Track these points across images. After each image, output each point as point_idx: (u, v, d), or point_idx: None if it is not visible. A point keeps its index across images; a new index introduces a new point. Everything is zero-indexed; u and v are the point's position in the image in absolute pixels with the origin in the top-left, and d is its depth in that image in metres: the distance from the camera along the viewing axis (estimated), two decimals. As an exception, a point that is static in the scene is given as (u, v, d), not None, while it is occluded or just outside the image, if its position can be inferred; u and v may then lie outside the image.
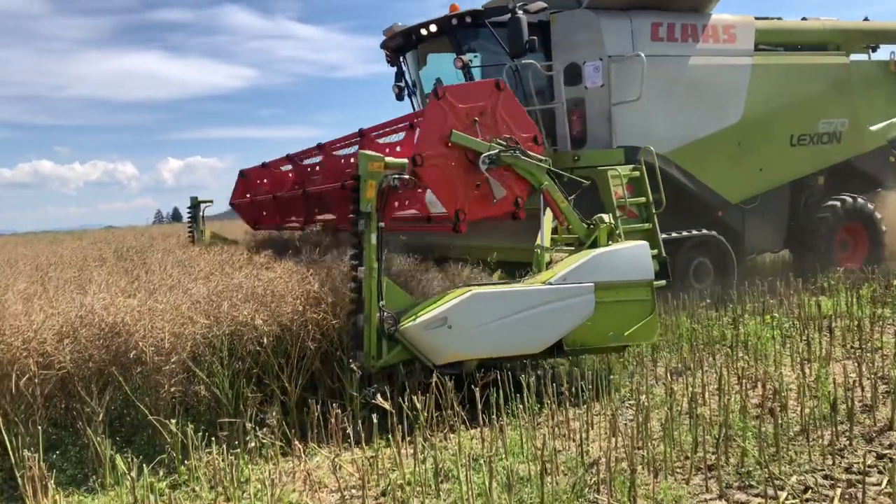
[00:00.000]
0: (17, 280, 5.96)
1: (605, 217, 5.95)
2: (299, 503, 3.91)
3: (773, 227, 10.34)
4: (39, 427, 4.27)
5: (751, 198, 9.93)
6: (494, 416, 4.61)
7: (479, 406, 4.59)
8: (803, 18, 11.19)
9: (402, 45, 9.51)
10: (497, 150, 5.56)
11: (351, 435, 4.34)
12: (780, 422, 4.34)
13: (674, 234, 8.84)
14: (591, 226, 5.94)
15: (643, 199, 7.92)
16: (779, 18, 10.88)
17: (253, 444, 4.33)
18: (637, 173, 7.98)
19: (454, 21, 8.58)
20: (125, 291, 5.50)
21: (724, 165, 9.53)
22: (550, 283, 5.40)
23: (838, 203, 10.35)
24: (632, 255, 5.81)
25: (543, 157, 5.83)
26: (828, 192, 10.60)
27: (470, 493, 3.52)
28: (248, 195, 9.14)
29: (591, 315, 5.46)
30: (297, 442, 4.16)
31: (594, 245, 5.85)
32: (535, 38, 8.10)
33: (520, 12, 8.10)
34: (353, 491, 4.02)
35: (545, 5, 8.60)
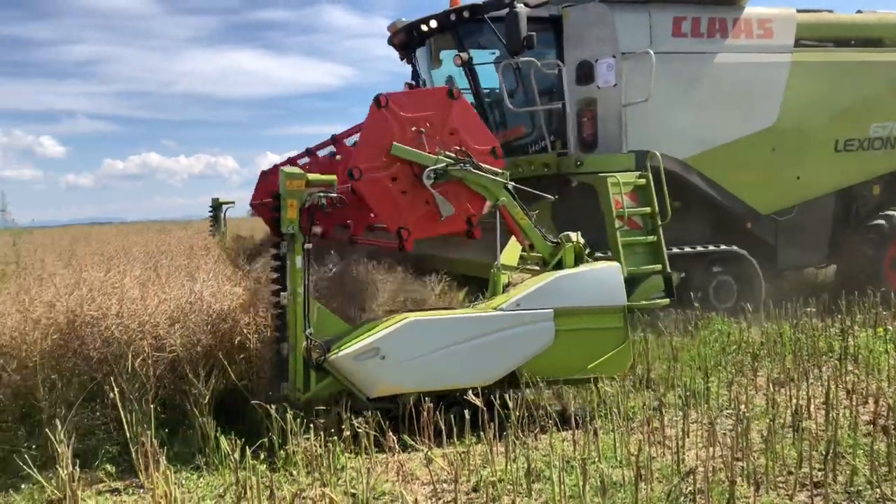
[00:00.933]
0: (134, 266, 6.33)
1: (572, 235, 5.44)
2: (392, 493, 3.99)
3: (813, 240, 9.38)
4: (152, 406, 4.53)
5: (786, 208, 9.10)
6: (587, 419, 4.55)
7: (572, 408, 4.56)
8: (858, 12, 10.05)
9: (407, 41, 9.10)
10: (444, 164, 5.14)
11: (443, 429, 4.40)
12: (893, 440, 4.09)
13: (689, 249, 8.23)
14: (558, 244, 5.40)
15: (648, 210, 7.30)
16: (829, 11, 9.88)
17: (348, 434, 4.44)
18: (643, 181, 7.37)
19: (452, 16, 8.15)
20: (230, 280, 5.76)
21: (754, 173, 8.79)
22: (501, 309, 4.93)
23: (889, 217, 9.34)
24: (600, 278, 5.26)
25: (500, 171, 5.40)
26: (884, 204, 9.61)
27: (562, 494, 3.51)
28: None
29: (551, 344, 4.98)
30: (390, 433, 4.24)
31: (560, 266, 5.34)
32: (533, 33, 7.55)
33: (519, 6, 7.65)
34: (445, 485, 4.07)
35: None
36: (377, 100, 5.15)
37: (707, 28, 8.55)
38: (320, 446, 4.16)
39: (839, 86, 9.18)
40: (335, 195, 4.76)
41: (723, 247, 8.50)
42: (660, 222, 7.25)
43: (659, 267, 7.19)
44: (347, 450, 4.43)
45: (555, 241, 5.43)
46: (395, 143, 5.09)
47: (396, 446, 4.27)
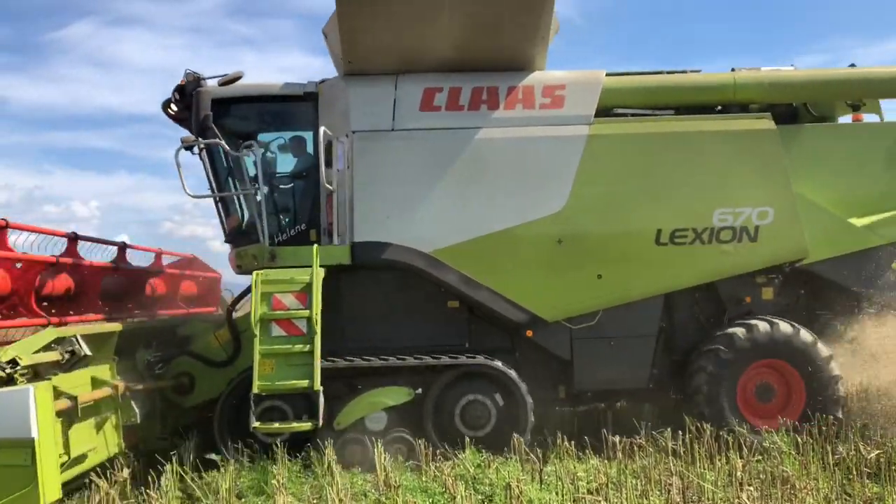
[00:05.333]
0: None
1: None
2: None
3: (628, 356, 7.42)
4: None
5: (582, 315, 7.35)
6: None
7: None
8: (851, 65, 7.98)
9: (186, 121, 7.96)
10: None
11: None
12: None
13: (427, 359, 6.95)
14: None
15: (307, 313, 6.35)
16: (693, 71, 7.92)
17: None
18: (306, 278, 6.47)
19: (172, 99, 7.56)
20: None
21: (533, 270, 7.21)
22: None
23: (740, 332, 7.15)
24: None
25: None
26: (778, 311, 7.48)
27: None
28: None
29: None
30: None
31: None
32: (210, 113, 7.03)
33: (208, 85, 7.24)
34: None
35: (241, 74, 7.29)
36: None
37: (469, 99, 7.32)
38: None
39: (661, 163, 7.36)
40: None
41: (476, 358, 7.09)
42: (317, 329, 6.34)
43: (304, 383, 6.17)
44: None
45: None
46: None
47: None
